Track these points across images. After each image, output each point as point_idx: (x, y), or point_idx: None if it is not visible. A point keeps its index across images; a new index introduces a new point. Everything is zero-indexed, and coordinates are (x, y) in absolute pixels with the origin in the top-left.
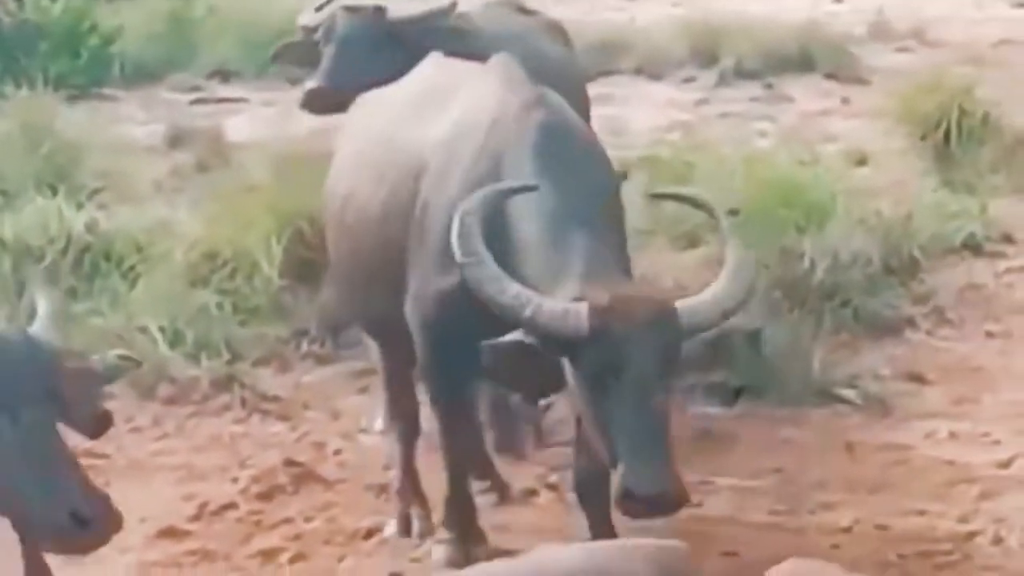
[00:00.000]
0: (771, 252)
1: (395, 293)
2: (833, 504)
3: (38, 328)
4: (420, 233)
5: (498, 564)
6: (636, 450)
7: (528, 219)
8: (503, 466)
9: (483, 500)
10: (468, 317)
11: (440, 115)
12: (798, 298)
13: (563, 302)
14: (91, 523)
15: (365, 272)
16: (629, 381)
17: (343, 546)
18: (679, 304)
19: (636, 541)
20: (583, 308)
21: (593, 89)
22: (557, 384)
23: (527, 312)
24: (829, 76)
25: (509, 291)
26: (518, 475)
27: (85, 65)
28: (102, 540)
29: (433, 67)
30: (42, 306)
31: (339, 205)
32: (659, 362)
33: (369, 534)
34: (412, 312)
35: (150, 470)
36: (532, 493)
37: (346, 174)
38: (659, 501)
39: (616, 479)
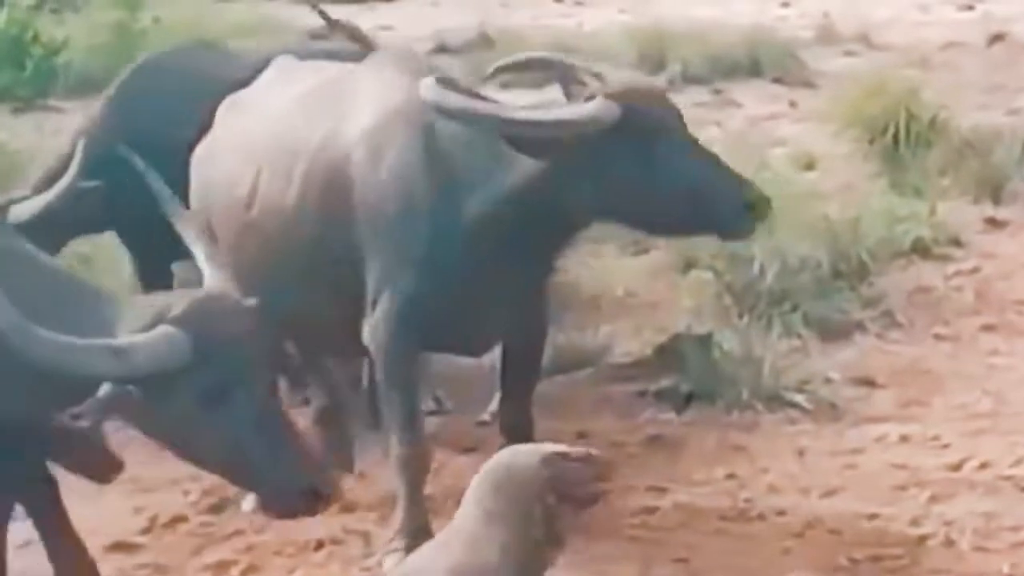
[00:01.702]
0: (720, 258)
1: (318, 290)
2: (784, 509)
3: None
4: (373, 227)
5: None
6: (722, 179)
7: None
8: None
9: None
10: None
11: (343, 108)
12: (747, 303)
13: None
14: (322, 500)
15: (275, 271)
16: (675, 138)
17: (294, 557)
18: None
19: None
20: (602, 100)
21: (542, 96)
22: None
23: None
24: (776, 80)
25: (516, 109)
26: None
27: (30, 76)
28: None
29: (300, 68)
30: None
31: (241, 207)
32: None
33: (320, 545)
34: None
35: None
36: None
37: (239, 175)
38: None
39: (715, 208)
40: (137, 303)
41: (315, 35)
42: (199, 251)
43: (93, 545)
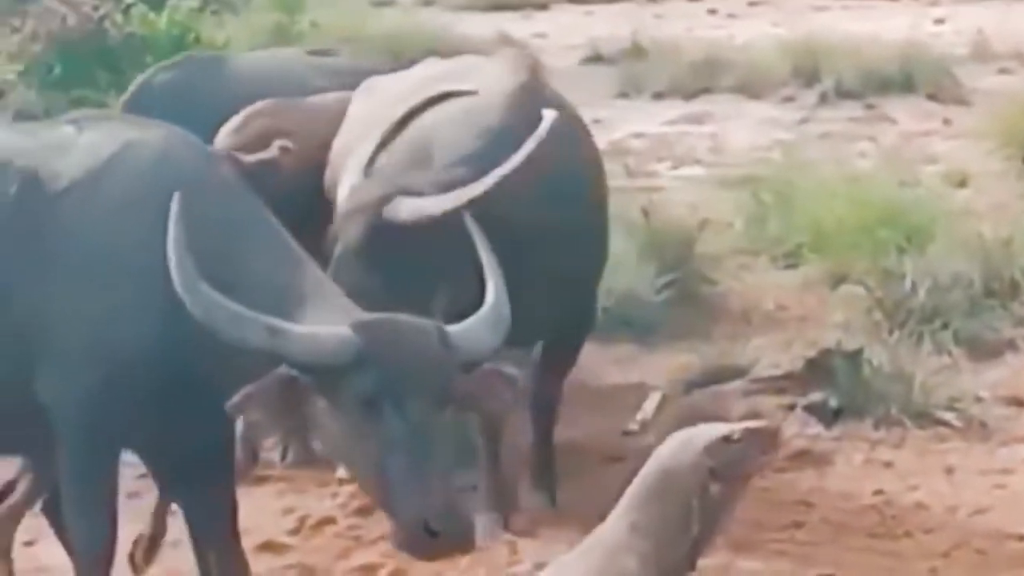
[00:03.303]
0: (872, 273)
1: None
2: (932, 527)
3: (465, 329)
4: None
5: None
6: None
7: None
8: None
9: None
10: None
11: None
12: (899, 320)
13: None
14: (440, 536)
15: None
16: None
17: (440, 563)
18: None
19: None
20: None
21: (693, 107)
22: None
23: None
24: (930, 97)
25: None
26: None
27: None
28: (449, 554)
29: (433, 62)
30: (489, 305)
31: None
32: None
33: None
34: None
35: (251, 483)
36: None
37: (354, 146)
38: None
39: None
40: (349, 306)
41: (314, 51)
42: (487, 265)
43: (245, 545)
